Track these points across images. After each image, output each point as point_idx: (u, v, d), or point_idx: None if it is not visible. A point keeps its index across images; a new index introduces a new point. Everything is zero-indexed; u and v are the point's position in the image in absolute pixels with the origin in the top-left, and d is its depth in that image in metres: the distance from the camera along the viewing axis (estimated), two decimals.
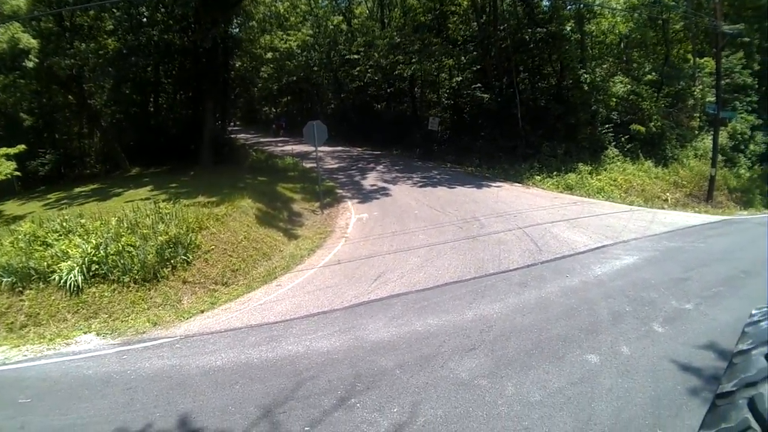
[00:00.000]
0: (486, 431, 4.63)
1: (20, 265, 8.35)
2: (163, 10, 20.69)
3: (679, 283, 8.32)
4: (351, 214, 14.44)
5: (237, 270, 9.52)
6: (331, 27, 35.22)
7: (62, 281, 8.20)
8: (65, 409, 5.37)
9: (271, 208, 13.54)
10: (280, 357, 6.27)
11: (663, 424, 4.63)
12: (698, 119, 23.96)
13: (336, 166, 23.55)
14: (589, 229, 11.90)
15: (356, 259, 10.21)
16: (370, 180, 19.61)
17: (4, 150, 13.97)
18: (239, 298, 8.55)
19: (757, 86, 25.25)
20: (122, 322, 7.74)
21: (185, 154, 20.87)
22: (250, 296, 8.62)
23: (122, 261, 8.59)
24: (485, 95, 22.99)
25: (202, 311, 8.06)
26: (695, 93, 23.57)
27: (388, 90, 31.96)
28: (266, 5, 23.36)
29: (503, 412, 4.87)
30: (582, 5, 22.46)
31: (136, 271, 8.57)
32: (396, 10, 31.60)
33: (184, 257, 9.13)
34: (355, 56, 30.13)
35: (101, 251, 8.66)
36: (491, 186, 17.98)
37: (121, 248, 8.75)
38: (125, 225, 9.66)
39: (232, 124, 41.61)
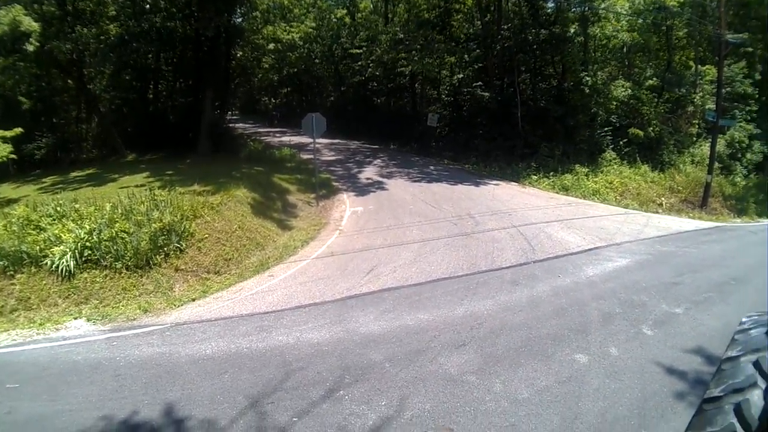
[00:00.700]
0: (473, 427, 4.65)
1: (12, 248, 8.30)
2: None
3: (670, 287, 8.35)
4: (346, 206, 14.44)
5: (230, 259, 9.50)
6: (335, 20, 35.07)
7: (54, 266, 8.16)
8: (53, 394, 5.36)
9: (266, 199, 13.52)
10: (269, 347, 6.27)
11: (648, 425, 4.66)
12: (697, 126, 24.06)
13: (333, 158, 23.53)
14: (582, 231, 11.94)
15: (349, 251, 10.21)
16: (367, 173, 19.59)
17: (0, 132, 13.87)
18: (231, 287, 8.53)
19: (757, 96, 25.33)
20: (113, 308, 7.72)
21: (183, 141, 20.79)
22: (242, 285, 8.61)
23: (115, 247, 8.55)
24: (485, 94, 22.97)
25: (194, 299, 8.04)
26: (695, 100, 23.64)
27: (389, 85, 31.88)
28: None
29: (490, 408, 4.89)
30: (587, 8, 22.43)
31: (128, 258, 8.54)
32: (400, 5, 31.47)
33: (177, 245, 9.11)
34: (358, 51, 30.04)
35: (95, 236, 8.62)
36: (488, 184, 18.00)
37: (114, 234, 8.72)
38: (120, 211, 9.61)
39: (230, 113, 41.46)
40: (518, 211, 13.61)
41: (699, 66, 25.77)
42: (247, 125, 41.01)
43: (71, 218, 9.35)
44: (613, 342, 6.24)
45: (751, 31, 23.24)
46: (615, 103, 21.33)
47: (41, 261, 8.27)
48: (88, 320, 7.38)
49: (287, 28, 29.46)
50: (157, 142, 20.76)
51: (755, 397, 2.00)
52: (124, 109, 23.95)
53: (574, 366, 5.67)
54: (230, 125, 32.48)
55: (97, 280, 8.25)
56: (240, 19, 24.38)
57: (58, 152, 21.73)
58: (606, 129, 21.00)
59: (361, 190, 16.74)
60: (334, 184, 17.50)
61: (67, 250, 8.30)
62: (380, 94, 33.69)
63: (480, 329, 6.60)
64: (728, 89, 23.50)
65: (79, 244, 8.42)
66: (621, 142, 20.79)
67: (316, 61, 37.11)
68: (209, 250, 9.49)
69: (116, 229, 8.81)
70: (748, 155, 24.11)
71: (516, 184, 18.47)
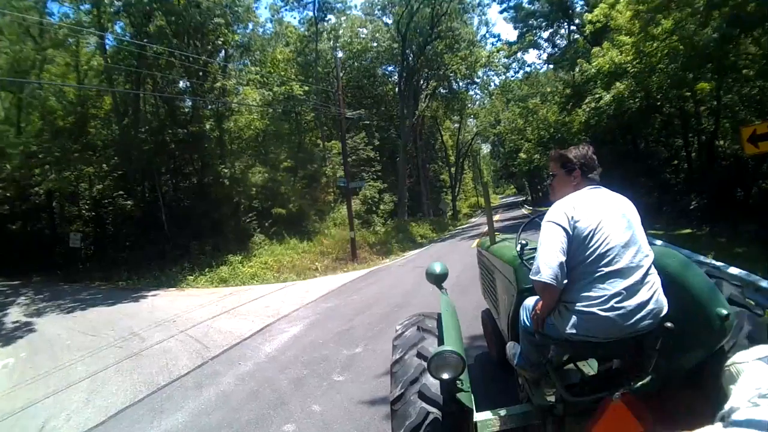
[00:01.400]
0: None
1: None
2: None
3: (344, 334, 8.82)
4: None
5: None
6: None
7: None
8: None
9: None
10: None
11: None
12: (333, 193, 28.21)
13: None
14: (250, 314, 11.90)
15: (8, 415, 7.50)
16: (12, 317, 15.49)
17: None
18: None
19: (379, 158, 31.76)
20: None
21: None
22: None
23: None
24: (128, 202, 21.38)
25: None
26: (327, 171, 27.77)
27: (23, 207, 26.70)
28: None
29: None
30: (221, 104, 23.85)
31: None
32: (35, 113, 27.09)
33: None
34: None
35: None
36: (146, 296, 16.36)
37: None
38: None
39: None
40: (182, 315, 12.70)
41: (326, 142, 30.63)
42: None
43: None
44: (312, 401, 6.00)
45: (366, 107, 29.20)
46: (255, 189, 22.87)
47: None
48: None
49: None
50: None
51: (430, 379, 2.31)
52: None
53: None
54: None
55: None
56: None
57: None
58: (251, 214, 22.13)
59: (8, 339, 13.08)
60: None
61: None
62: (14, 218, 27.86)
63: None
64: (354, 157, 28.60)
65: None
66: (266, 224, 22.27)
67: None
68: None
69: None
70: (381, 206, 29.69)
71: (174, 289, 17.25)
